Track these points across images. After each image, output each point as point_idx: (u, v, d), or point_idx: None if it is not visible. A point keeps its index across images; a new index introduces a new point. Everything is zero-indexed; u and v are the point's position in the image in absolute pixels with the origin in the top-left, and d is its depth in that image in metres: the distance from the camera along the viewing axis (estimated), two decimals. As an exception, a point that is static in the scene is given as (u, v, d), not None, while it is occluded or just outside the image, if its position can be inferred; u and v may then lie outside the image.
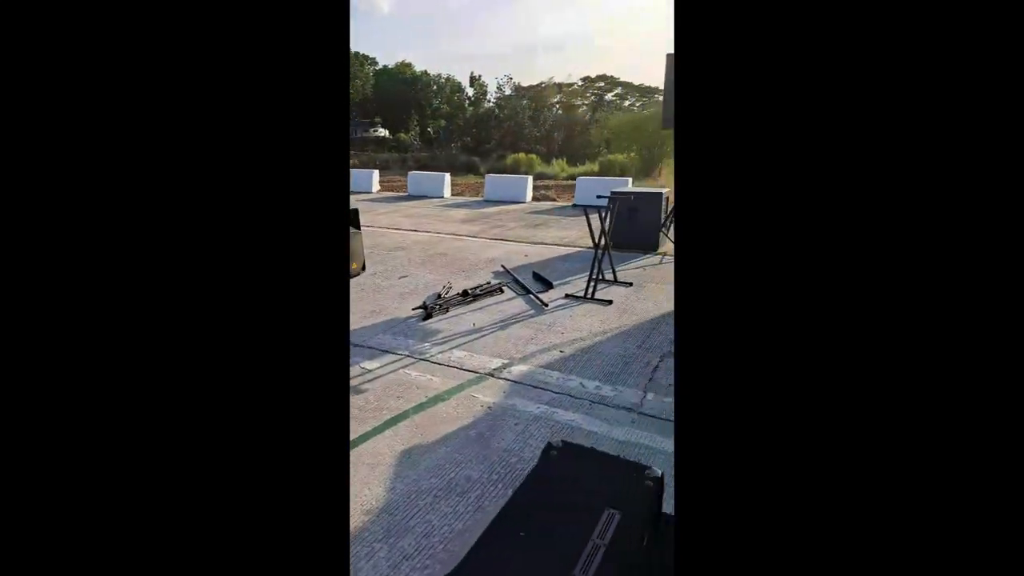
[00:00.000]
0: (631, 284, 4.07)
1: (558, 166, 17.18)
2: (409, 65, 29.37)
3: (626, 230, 5.06)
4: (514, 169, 15.81)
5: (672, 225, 5.22)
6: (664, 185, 7.39)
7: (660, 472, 0.90)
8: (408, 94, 27.13)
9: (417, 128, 26.65)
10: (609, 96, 25.08)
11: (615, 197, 3.94)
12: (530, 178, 10.18)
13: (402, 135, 25.68)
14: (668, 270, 4.48)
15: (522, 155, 17.96)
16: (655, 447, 2.02)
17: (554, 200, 10.05)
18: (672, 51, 4.64)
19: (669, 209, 5.14)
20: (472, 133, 23.05)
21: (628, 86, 24.90)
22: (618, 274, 4.27)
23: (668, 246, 5.20)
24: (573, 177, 12.19)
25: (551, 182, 14.26)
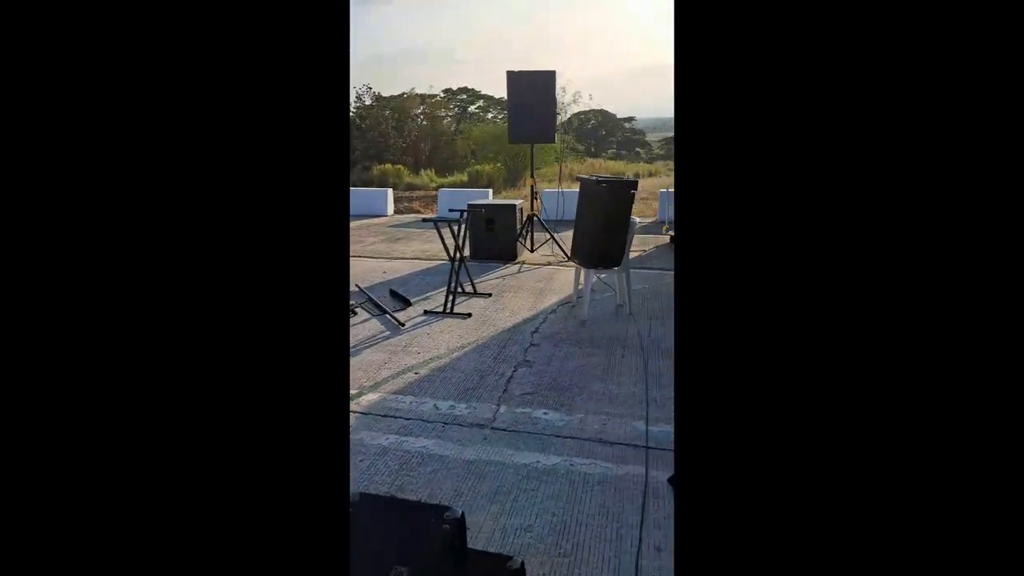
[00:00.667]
0: (490, 295, 4.12)
1: (427, 177, 17.01)
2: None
3: (485, 241, 5.14)
4: (381, 181, 15.27)
5: (529, 235, 5.43)
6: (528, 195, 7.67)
7: (460, 512, 0.86)
8: (256, 101, 24.48)
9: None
10: (472, 108, 25.64)
11: (467, 210, 3.96)
12: (390, 191, 9.87)
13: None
14: (525, 278, 4.63)
15: (389, 166, 17.43)
16: (505, 462, 2.02)
17: (419, 212, 9.90)
18: (512, 68, 4.85)
19: (524, 219, 5.34)
20: (333, 144, 21.82)
21: (489, 99, 25.69)
22: (478, 285, 4.29)
23: (526, 255, 5.40)
24: (443, 187, 12.18)
25: (420, 192, 14.06)
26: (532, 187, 5.32)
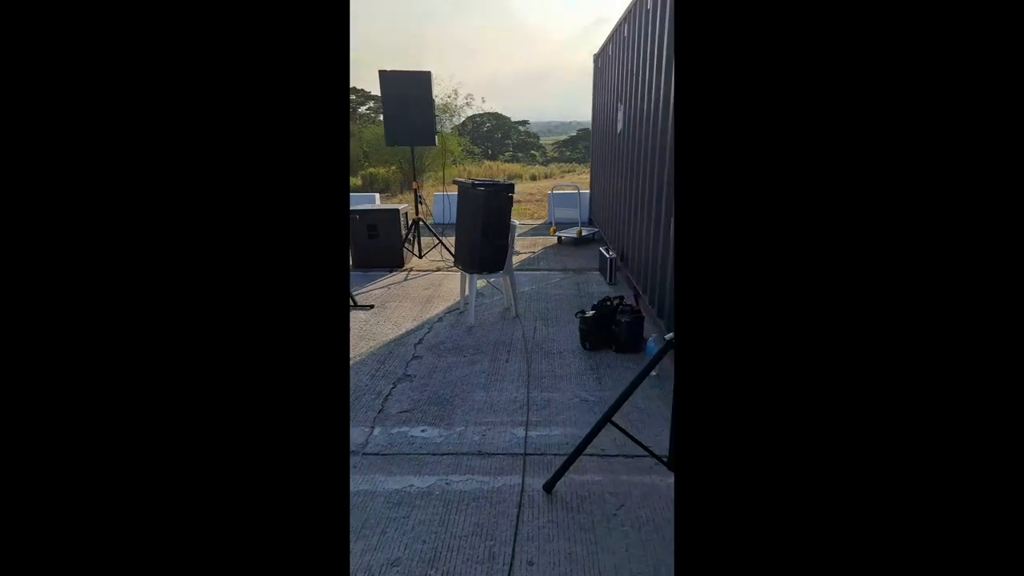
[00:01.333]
0: (373, 307, 3.89)
1: (315, 182, 15.92)
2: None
3: (368, 249, 4.87)
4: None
5: (416, 241, 5.25)
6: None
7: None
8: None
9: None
10: (362, 109, 24.55)
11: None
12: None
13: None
14: (412, 286, 4.46)
15: (270, 171, 16.02)
16: (375, 490, 1.87)
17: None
18: (384, 68, 4.64)
19: (410, 224, 5.15)
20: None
21: (380, 100, 24.81)
22: (362, 296, 4.04)
23: (414, 261, 5.21)
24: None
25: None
26: (416, 191, 5.14)
